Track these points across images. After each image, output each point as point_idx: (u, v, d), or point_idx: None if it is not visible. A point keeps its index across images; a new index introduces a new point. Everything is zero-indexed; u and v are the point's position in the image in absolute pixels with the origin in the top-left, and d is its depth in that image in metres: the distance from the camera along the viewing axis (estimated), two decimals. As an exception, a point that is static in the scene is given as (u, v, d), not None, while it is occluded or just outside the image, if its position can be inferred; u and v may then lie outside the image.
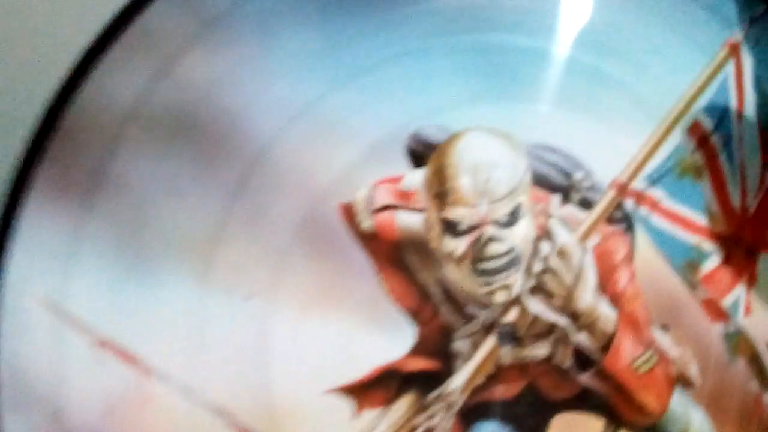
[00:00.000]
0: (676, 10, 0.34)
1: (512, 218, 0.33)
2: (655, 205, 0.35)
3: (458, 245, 0.32)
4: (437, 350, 0.33)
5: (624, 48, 0.34)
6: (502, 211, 0.33)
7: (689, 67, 0.35)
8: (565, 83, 0.34)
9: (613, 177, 0.34)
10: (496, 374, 0.33)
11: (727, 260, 0.35)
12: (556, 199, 0.34)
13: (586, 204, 0.34)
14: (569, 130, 0.34)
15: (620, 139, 0.34)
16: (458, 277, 0.33)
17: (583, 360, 0.33)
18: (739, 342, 0.35)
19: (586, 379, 0.33)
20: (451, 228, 0.32)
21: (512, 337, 0.33)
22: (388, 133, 0.32)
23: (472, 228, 0.32)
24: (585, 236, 0.34)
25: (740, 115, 0.35)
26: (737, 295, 0.35)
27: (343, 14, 0.32)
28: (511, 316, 0.33)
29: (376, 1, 0.32)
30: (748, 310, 0.35)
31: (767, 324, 0.35)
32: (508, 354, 0.33)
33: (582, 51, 0.34)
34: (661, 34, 0.34)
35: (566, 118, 0.34)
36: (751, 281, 0.35)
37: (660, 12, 0.34)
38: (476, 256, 0.32)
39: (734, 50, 0.35)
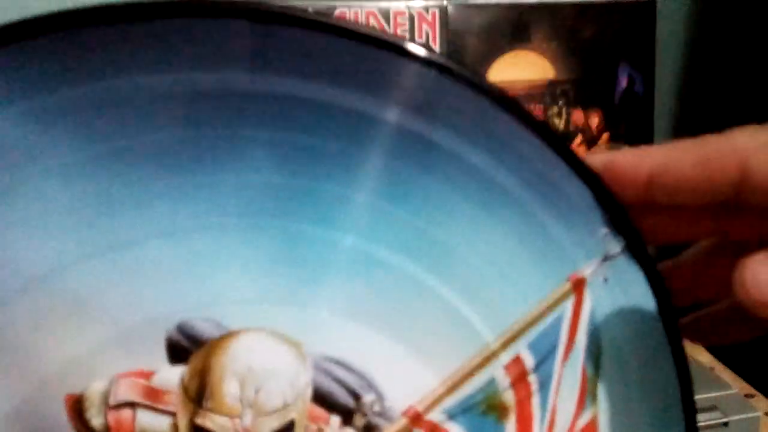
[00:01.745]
0: (526, 223, 0.30)
1: None
2: (448, 441, 0.31)
3: None
4: None
5: (452, 261, 0.29)
6: (269, 427, 0.28)
7: (525, 295, 0.31)
8: (376, 294, 0.29)
9: (409, 404, 0.30)
10: None
11: None
12: (335, 420, 0.30)
13: (370, 430, 0.30)
14: (369, 347, 0.29)
15: (430, 363, 0.30)
16: None
17: None
18: None
19: None
20: None
21: None
22: (144, 321, 0.26)
23: (228, 441, 0.27)
24: (360, 466, 0.30)
25: (566, 358, 0.32)
26: None
27: (111, 170, 0.25)
28: None
29: (164, 158, 0.26)
30: None
31: None
32: None
33: (406, 260, 0.29)
34: (501, 253, 0.30)
35: (368, 332, 0.29)
36: None
37: (506, 226, 0.30)
38: None
39: (578, 287, 0.31)
